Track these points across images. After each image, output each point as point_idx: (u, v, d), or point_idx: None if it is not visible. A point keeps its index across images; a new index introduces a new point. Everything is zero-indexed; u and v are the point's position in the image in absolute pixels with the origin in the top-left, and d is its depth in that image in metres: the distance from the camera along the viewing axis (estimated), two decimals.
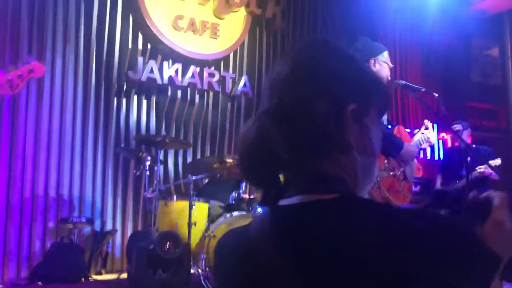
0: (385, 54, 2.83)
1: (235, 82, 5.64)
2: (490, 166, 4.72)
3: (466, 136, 5.09)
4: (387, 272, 0.61)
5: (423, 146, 3.01)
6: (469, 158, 4.99)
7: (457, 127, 5.09)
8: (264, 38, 5.94)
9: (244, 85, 5.62)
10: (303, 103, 0.73)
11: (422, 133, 2.94)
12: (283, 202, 0.74)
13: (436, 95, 2.81)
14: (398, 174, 2.65)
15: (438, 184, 5.26)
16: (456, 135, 4.81)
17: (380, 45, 2.91)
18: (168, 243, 3.30)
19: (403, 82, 2.90)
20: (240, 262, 0.77)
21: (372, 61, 2.78)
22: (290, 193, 0.74)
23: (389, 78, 2.89)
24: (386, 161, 2.66)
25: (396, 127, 2.98)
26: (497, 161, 4.75)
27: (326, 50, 0.81)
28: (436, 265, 0.61)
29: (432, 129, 3.03)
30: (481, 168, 4.76)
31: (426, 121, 3.09)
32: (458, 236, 0.65)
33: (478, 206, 0.79)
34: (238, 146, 0.79)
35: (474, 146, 5.14)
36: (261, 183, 0.76)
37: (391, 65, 2.84)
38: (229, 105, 5.64)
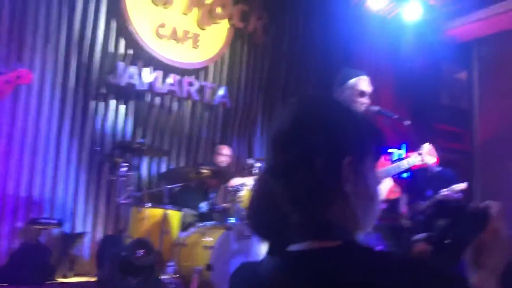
0: (352, 81, 2.96)
1: (214, 92, 5.72)
2: (454, 189, 4.95)
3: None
4: None
5: (404, 168, 3.10)
6: (433, 180, 5.23)
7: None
8: (245, 50, 6.05)
9: (223, 95, 5.71)
10: (303, 161, 0.81)
11: (418, 155, 3.04)
12: (291, 247, 0.82)
13: (408, 123, 2.95)
14: None
15: (403, 203, 5.46)
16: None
17: (352, 73, 3.03)
18: (140, 250, 3.34)
19: (377, 108, 3.04)
20: None
21: (339, 90, 2.94)
22: (298, 239, 0.82)
23: (360, 100, 2.98)
24: None
25: None
26: (462, 185, 4.96)
27: (324, 106, 0.88)
28: None
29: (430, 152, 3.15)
30: (445, 191, 4.95)
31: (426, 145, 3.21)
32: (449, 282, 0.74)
33: (477, 216, 0.89)
34: (247, 203, 0.87)
35: (439, 169, 5.38)
36: (269, 236, 0.84)
37: (361, 90, 2.96)
38: (206, 114, 5.71)
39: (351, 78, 3.01)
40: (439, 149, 6.77)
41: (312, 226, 0.81)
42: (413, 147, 3.08)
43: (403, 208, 5.40)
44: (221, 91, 5.70)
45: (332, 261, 0.76)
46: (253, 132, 6.11)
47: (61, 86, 4.84)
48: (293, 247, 0.81)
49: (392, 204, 5.61)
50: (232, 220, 4.18)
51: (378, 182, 0.89)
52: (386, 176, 2.92)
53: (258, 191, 0.85)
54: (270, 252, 0.84)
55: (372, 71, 7.28)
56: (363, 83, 2.99)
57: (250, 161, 4.64)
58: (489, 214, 0.88)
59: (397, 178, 3.31)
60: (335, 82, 3.09)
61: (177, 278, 4.18)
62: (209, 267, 3.59)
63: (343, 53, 6.78)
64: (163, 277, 3.73)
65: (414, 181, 5.39)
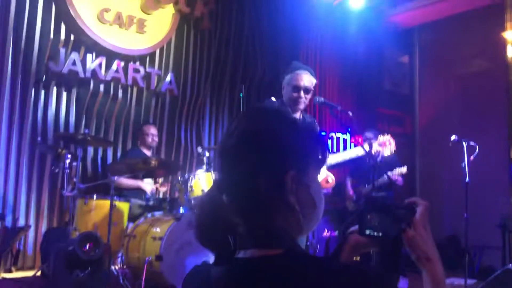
0: (288, 76, 3.06)
1: (160, 79, 5.63)
2: (396, 173, 5.18)
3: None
4: None
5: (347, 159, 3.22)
6: (378, 164, 5.42)
7: (369, 135, 5.49)
8: (191, 36, 5.96)
9: (170, 82, 5.62)
10: (247, 178, 0.86)
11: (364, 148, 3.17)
12: (239, 254, 0.87)
13: (351, 113, 3.05)
14: None
15: (349, 187, 5.64)
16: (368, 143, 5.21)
17: (290, 68, 3.11)
18: (88, 244, 3.29)
19: (322, 99, 3.14)
20: None
21: (282, 86, 3.06)
22: (245, 246, 0.87)
23: (295, 95, 3.06)
24: None
25: None
26: (403, 169, 5.20)
27: (268, 122, 0.92)
28: None
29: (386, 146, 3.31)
30: (389, 174, 5.17)
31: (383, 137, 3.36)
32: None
33: (404, 211, 0.95)
34: (194, 214, 0.91)
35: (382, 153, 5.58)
36: (215, 246, 0.88)
37: (296, 84, 3.03)
38: (153, 101, 5.61)
39: (287, 73, 3.09)
40: (381, 132, 7.04)
41: (257, 236, 0.86)
42: (355, 134, 3.20)
43: (349, 191, 5.59)
44: (167, 78, 5.60)
45: (274, 268, 0.81)
46: (202, 120, 6.08)
47: None
48: (239, 255, 0.86)
49: (338, 187, 5.79)
50: (181, 210, 4.18)
51: (320, 189, 0.94)
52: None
53: (206, 203, 0.89)
54: (217, 261, 0.88)
55: (319, 58, 7.42)
56: (298, 78, 3.04)
57: (199, 149, 4.64)
58: (413, 210, 0.95)
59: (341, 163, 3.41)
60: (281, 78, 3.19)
61: (127, 269, 4.15)
62: (158, 258, 3.59)
63: (290, 40, 6.85)
64: (112, 268, 3.69)
65: (359, 166, 5.58)
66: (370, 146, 4.40)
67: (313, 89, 3.09)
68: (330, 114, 3.07)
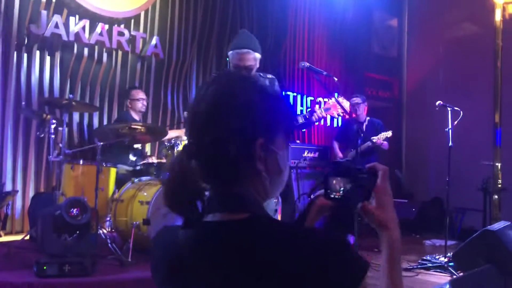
0: (230, 53, 3.03)
1: (145, 42, 5.54)
2: (381, 137, 5.24)
3: (363, 109, 5.55)
4: (282, 280, 0.78)
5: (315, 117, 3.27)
6: (363, 129, 5.48)
7: (356, 100, 5.51)
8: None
9: (155, 45, 5.54)
10: (217, 143, 0.87)
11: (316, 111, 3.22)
12: (206, 218, 0.89)
13: (336, 79, 3.07)
14: None
15: (337, 150, 5.69)
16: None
17: (231, 45, 3.07)
18: (75, 209, 3.31)
19: (308, 64, 3.13)
20: (170, 261, 0.93)
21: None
22: (212, 210, 0.89)
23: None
24: None
25: None
26: (388, 133, 5.26)
27: (238, 89, 0.92)
28: (321, 276, 0.79)
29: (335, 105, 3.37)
30: (374, 139, 5.23)
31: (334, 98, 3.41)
32: (337, 253, 0.82)
33: (366, 176, 0.97)
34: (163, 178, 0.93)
35: (368, 118, 5.63)
36: (183, 210, 0.89)
37: (236, 63, 2.99)
38: (138, 65, 5.54)
39: (230, 49, 3.06)
40: (369, 96, 7.07)
41: (224, 200, 0.89)
42: (313, 104, 3.24)
43: (338, 154, 5.65)
44: (153, 42, 5.52)
45: (239, 232, 0.84)
46: (189, 83, 6.03)
47: None
48: (207, 218, 0.88)
49: (324, 151, 5.85)
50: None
51: (287, 156, 0.96)
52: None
53: (175, 168, 0.89)
54: (185, 225, 0.90)
55: (307, 22, 7.33)
56: (239, 57, 3.00)
57: (185, 114, 4.63)
58: (375, 175, 0.97)
59: (329, 127, 3.44)
60: None
61: (115, 233, 4.21)
62: (146, 222, 3.64)
63: (278, 3, 6.74)
64: (100, 232, 3.73)
65: (345, 131, 5.62)
66: (356, 111, 4.50)
67: (257, 64, 3.04)
68: (316, 79, 3.05)
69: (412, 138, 8.61)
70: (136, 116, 4.75)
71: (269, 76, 3.26)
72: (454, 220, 7.04)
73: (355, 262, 0.83)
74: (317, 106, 5.28)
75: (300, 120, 3.14)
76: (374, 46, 8.48)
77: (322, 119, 3.20)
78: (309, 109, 3.06)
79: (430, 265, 4.38)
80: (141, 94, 4.86)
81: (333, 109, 3.43)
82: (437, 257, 4.54)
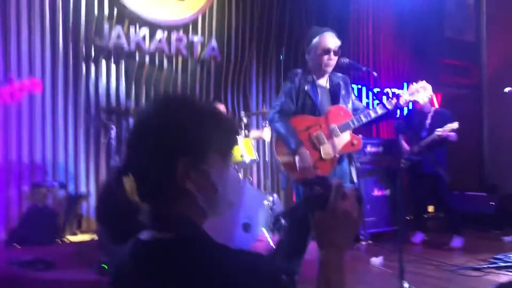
0: (315, 40, 3.03)
1: (203, 46, 5.69)
2: (447, 129, 4.93)
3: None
4: None
5: (369, 119, 3.12)
6: (428, 121, 5.20)
7: None
8: (233, 1, 5.92)
9: (213, 48, 5.67)
10: (140, 163, 0.91)
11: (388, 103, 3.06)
12: (140, 236, 0.91)
13: (375, 74, 2.97)
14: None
15: (403, 143, 5.42)
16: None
17: (315, 32, 3.08)
18: None
19: (347, 60, 3.06)
20: (114, 276, 0.97)
21: (307, 50, 3.06)
22: (147, 227, 0.92)
23: (326, 58, 3.03)
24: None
25: (331, 107, 3.11)
26: (454, 125, 4.94)
27: (170, 110, 0.94)
28: None
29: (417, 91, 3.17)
30: (439, 131, 4.95)
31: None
32: (258, 274, 0.83)
33: (320, 195, 0.93)
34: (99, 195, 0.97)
35: (433, 108, 5.33)
36: (111, 225, 0.94)
37: (326, 47, 3.01)
38: (198, 69, 5.70)
39: (314, 37, 3.05)
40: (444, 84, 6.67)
41: (154, 219, 0.91)
42: (379, 95, 3.09)
43: (405, 147, 5.37)
44: (210, 45, 5.65)
45: (163, 252, 0.85)
46: (249, 84, 6.09)
47: (51, 52, 4.91)
48: (142, 236, 0.91)
49: (389, 146, 5.63)
50: None
51: (225, 174, 0.95)
52: (344, 130, 2.98)
53: (110, 184, 0.94)
54: (116, 240, 0.94)
55: (371, 10, 7.07)
56: (327, 39, 3.01)
57: (242, 114, 4.70)
58: (329, 194, 0.92)
59: (391, 119, 3.31)
60: (305, 43, 3.17)
61: None
62: None
63: None
64: None
65: (409, 123, 5.36)
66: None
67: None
68: (355, 75, 2.98)
69: (494, 127, 8.00)
70: None
71: (339, 75, 3.24)
72: None
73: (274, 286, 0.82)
74: (402, 91, 4.96)
75: (380, 111, 3.02)
76: (447, 30, 7.98)
77: (405, 107, 2.98)
78: (390, 98, 2.89)
79: (502, 264, 4.07)
80: (220, 108, 5.00)
81: (418, 93, 3.14)
82: (510, 255, 4.20)
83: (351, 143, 3.04)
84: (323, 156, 2.99)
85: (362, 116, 3.02)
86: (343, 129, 3.01)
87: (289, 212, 0.96)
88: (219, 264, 0.82)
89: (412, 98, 3.14)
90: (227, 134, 0.98)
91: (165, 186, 0.90)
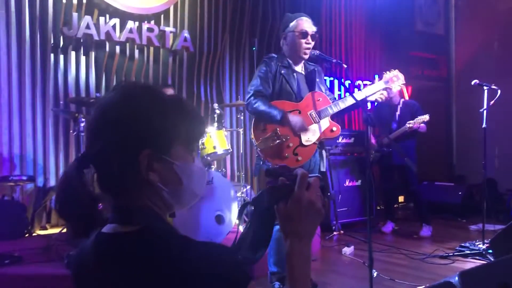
0: (293, 23, 3.03)
1: (175, 37, 5.62)
2: (418, 121, 5.02)
3: (396, 91, 5.32)
4: None
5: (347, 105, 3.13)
6: (398, 113, 5.28)
7: None
8: None
9: (185, 39, 5.61)
10: (102, 154, 0.88)
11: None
12: (103, 229, 0.89)
13: (345, 65, 2.98)
14: (284, 141, 2.87)
15: (370, 136, 5.51)
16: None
17: (292, 16, 3.07)
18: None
19: (317, 52, 3.07)
20: (76, 269, 0.96)
21: (283, 36, 3.03)
22: (109, 221, 0.90)
23: (303, 41, 3.02)
24: (274, 130, 2.90)
25: (310, 93, 3.11)
26: (425, 117, 5.03)
27: (131, 100, 0.91)
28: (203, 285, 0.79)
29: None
30: (410, 123, 5.03)
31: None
32: (218, 264, 0.83)
33: (284, 185, 0.93)
34: (57, 185, 0.92)
35: (402, 100, 5.42)
36: (78, 219, 0.90)
37: (304, 29, 3.00)
38: (170, 60, 5.64)
39: (291, 21, 3.04)
40: (414, 76, 6.76)
41: (116, 212, 0.89)
42: (351, 88, 3.12)
43: (371, 140, 5.46)
44: (182, 35, 5.58)
45: (125, 245, 0.84)
46: (222, 75, 6.06)
47: (17, 41, 4.76)
48: (104, 229, 0.89)
49: (359, 137, 5.70)
50: None
51: (190, 166, 0.94)
52: (324, 116, 2.99)
53: (69, 176, 0.90)
54: (76, 234, 0.90)
55: (343, 2, 7.12)
56: (304, 23, 3.02)
57: (215, 106, 4.67)
58: (293, 185, 0.92)
59: (361, 111, 3.32)
60: (280, 30, 3.15)
61: None
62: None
63: None
64: None
65: (379, 114, 5.45)
66: (388, 93, 4.20)
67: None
68: (326, 68, 2.98)
69: (463, 118, 8.19)
70: None
71: (313, 64, 3.24)
72: (507, 203, 6.67)
73: (234, 276, 0.83)
74: (377, 77, 4.94)
75: (350, 101, 3.02)
76: (417, 23, 8.10)
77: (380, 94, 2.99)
78: (363, 86, 2.90)
79: (468, 252, 4.20)
80: (169, 91, 4.92)
81: (392, 81, 3.19)
82: (476, 243, 4.33)
83: (330, 130, 3.05)
84: (303, 142, 2.96)
85: (340, 103, 3.03)
86: (322, 115, 3.01)
87: (254, 201, 0.95)
88: (180, 256, 0.81)
89: (386, 86, 3.19)
90: (193, 124, 0.95)
91: (128, 178, 0.88)
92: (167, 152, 0.90)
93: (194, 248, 0.84)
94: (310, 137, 2.96)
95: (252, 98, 2.96)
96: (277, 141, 2.86)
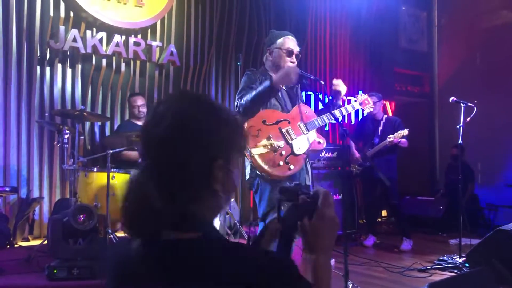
0: (279, 40, 3.09)
1: (162, 51, 5.70)
2: (398, 135, 5.13)
3: (379, 107, 5.46)
4: None
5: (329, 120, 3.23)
6: (380, 128, 5.39)
7: (372, 98, 5.41)
8: (192, 4, 5.95)
9: (171, 53, 5.68)
10: (176, 165, 0.90)
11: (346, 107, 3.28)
12: (162, 236, 0.90)
13: (323, 82, 3.07)
14: (277, 148, 2.91)
15: (354, 150, 5.61)
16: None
17: (279, 34, 3.14)
18: (82, 216, 3.49)
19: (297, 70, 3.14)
20: (121, 276, 0.96)
21: (268, 51, 3.10)
22: (167, 228, 0.90)
23: (288, 60, 3.10)
24: (267, 137, 2.93)
25: (297, 105, 3.18)
26: (404, 132, 5.14)
27: (197, 111, 0.94)
28: None
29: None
30: (390, 138, 5.14)
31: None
32: (283, 271, 0.87)
33: (307, 202, 1.01)
34: (122, 203, 0.94)
35: (386, 116, 5.54)
36: (143, 233, 0.93)
37: (290, 48, 3.08)
38: (156, 73, 5.70)
39: (278, 38, 3.11)
40: (398, 92, 6.88)
41: (178, 220, 0.91)
42: (328, 105, 3.20)
43: (355, 154, 5.56)
44: (168, 50, 5.65)
45: (189, 251, 0.87)
46: (208, 89, 6.13)
47: (3, 53, 4.81)
48: (163, 237, 0.90)
49: (342, 151, 5.79)
50: None
51: (238, 174, 1.00)
52: (312, 128, 3.06)
53: (135, 190, 0.92)
54: (143, 244, 0.92)
55: (328, 17, 7.26)
56: (290, 42, 3.10)
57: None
58: (316, 202, 1.00)
59: (343, 126, 3.41)
60: (265, 45, 3.23)
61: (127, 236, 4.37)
62: None
63: (297, 2, 6.72)
64: (112, 236, 3.88)
65: (360, 130, 5.53)
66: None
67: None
68: (304, 83, 3.04)
69: (446, 134, 8.33)
70: (140, 123, 4.84)
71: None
72: (486, 217, 6.79)
73: (297, 282, 0.88)
74: (353, 98, 5.13)
75: (332, 118, 3.11)
76: (401, 41, 8.28)
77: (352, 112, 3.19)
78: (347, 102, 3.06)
79: (446, 265, 4.28)
80: (138, 101, 4.93)
81: (364, 104, 3.46)
82: (454, 257, 4.41)
83: (317, 142, 3.11)
84: (295, 151, 2.98)
85: (325, 117, 3.10)
86: (309, 127, 3.07)
87: (281, 221, 1.03)
88: (242, 263, 0.85)
89: (359, 106, 3.38)
90: (242, 134, 1.01)
91: (198, 188, 0.91)
92: (230, 162, 0.95)
93: (254, 254, 0.90)
94: (301, 146, 3.00)
95: (239, 100, 2.96)
96: (269, 147, 2.87)
